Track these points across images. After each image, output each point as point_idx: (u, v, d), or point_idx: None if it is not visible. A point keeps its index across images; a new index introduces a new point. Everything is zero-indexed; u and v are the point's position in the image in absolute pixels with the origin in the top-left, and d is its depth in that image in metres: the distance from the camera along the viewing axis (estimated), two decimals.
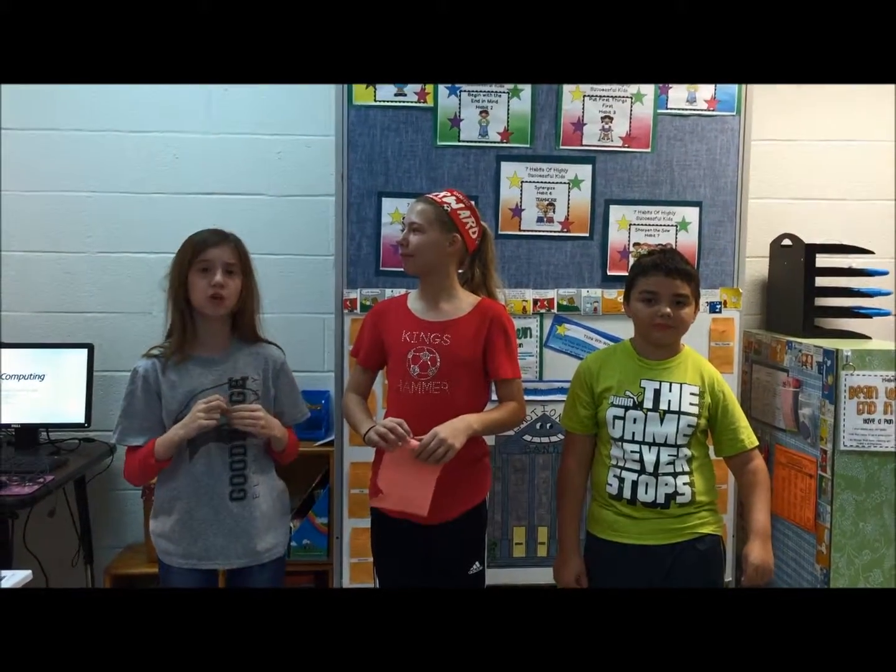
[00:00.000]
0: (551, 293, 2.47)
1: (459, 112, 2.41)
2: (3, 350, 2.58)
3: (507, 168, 2.43)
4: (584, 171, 2.45)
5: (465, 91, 2.41)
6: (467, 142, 2.42)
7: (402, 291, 2.21)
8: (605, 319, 2.48)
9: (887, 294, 2.71)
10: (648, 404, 1.94)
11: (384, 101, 2.39)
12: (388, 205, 2.41)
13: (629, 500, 1.94)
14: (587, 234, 2.47)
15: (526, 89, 2.42)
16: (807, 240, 2.63)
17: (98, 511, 2.78)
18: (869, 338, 2.55)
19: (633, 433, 1.94)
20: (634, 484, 1.93)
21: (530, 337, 2.47)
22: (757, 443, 2.02)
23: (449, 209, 1.97)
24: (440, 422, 1.83)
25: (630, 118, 2.46)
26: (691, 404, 1.94)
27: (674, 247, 2.44)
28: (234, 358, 1.97)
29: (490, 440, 2.27)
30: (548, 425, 2.47)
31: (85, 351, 2.62)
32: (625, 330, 2.16)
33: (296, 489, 2.42)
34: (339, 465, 2.45)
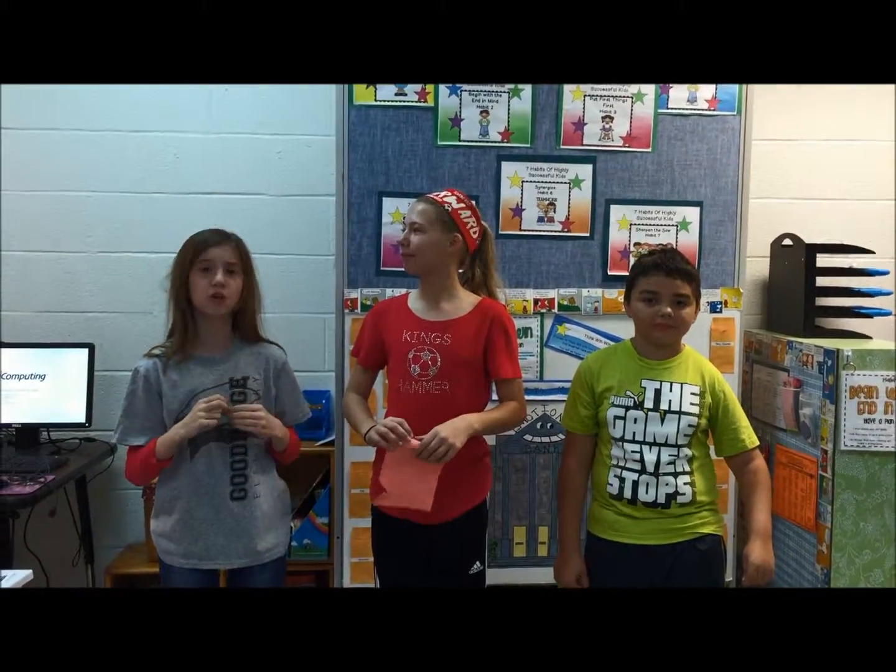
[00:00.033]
0: (552, 293, 2.47)
1: (460, 112, 2.41)
2: (4, 350, 2.59)
3: (508, 168, 2.43)
4: (585, 171, 2.45)
5: (465, 91, 2.41)
6: (468, 141, 2.42)
7: (403, 291, 2.20)
8: (605, 319, 2.48)
9: (888, 294, 2.71)
10: (649, 404, 1.94)
11: (385, 101, 2.39)
12: (389, 204, 2.41)
13: (630, 500, 1.94)
14: (588, 234, 2.47)
15: (526, 89, 2.42)
16: (807, 240, 2.63)
17: (99, 511, 2.79)
18: (869, 338, 2.55)
19: (634, 433, 1.94)
20: (635, 484, 1.93)
21: (531, 337, 2.47)
22: (758, 442, 2.02)
23: (450, 209, 1.97)
24: (441, 421, 1.83)
25: (631, 118, 2.46)
26: (692, 404, 1.94)
27: (674, 246, 2.44)
28: (236, 358, 1.97)
29: (491, 440, 2.27)
30: (548, 425, 2.47)
31: (86, 351, 2.62)
32: (625, 330, 2.16)
33: (296, 489, 2.43)
34: (339, 464, 2.45)
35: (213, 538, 1.92)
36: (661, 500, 1.92)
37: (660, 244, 2.44)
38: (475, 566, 1.99)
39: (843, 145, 2.94)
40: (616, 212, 2.47)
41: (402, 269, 2.07)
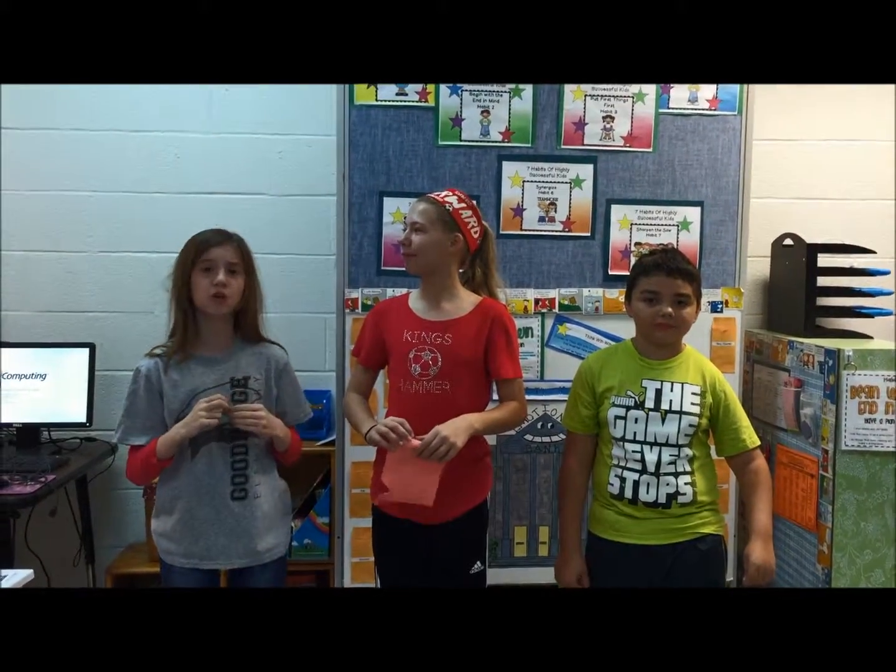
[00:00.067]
0: (552, 293, 2.47)
1: (461, 112, 2.41)
2: (5, 350, 2.59)
3: (509, 168, 2.43)
4: (586, 171, 2.45)
5: (466, 91, 2.41)
6: (469, 141, 2.42)
7: (404, 291, 2.20)
8: (606, 319, 2.48)
9: (889, 294, 2.71)
10: (650, 404, 1.94)
11: (385, 101, 2.39)
12: (390, 204, 2.41)
13: (630, 500, 1.94)
14: (589, 234, 2.47)
15: (527, 89, 2.42)
16: (808, 239, 2.63)
17: (99, 510, 2.79)
18: (870, 337, 2.55)
19: (635, 433, 1.94)
20: (636, 484, 1.93)
21: (531, 336, 2.47)
22: (758, 442, 2.01)
23: (451, 209, 1.97)
24: (441, 421, 1.83)
25: (631, 118, 2.46)
26: (693, 404, 1.94)
27: (675, 246, 2.44)
28: (237, 357, 1.97)
29: (491, 440, 2.27)
30: (549, 425, 2.47)
31: (86, 350, 2.62)
32: (626, 329, 2.16)
33: (297, 489, 2.43)
34: (340, 464, 2.45)
35: (214, 538, 1.92)
36: (662, 500, 1.92)
37: (661, 244, 2.44)
38: (476, 566, 1.99)
39: (844, 145, 2.94)
40: (617, 211, 2.47)
41: (403, 269, 2.07)
